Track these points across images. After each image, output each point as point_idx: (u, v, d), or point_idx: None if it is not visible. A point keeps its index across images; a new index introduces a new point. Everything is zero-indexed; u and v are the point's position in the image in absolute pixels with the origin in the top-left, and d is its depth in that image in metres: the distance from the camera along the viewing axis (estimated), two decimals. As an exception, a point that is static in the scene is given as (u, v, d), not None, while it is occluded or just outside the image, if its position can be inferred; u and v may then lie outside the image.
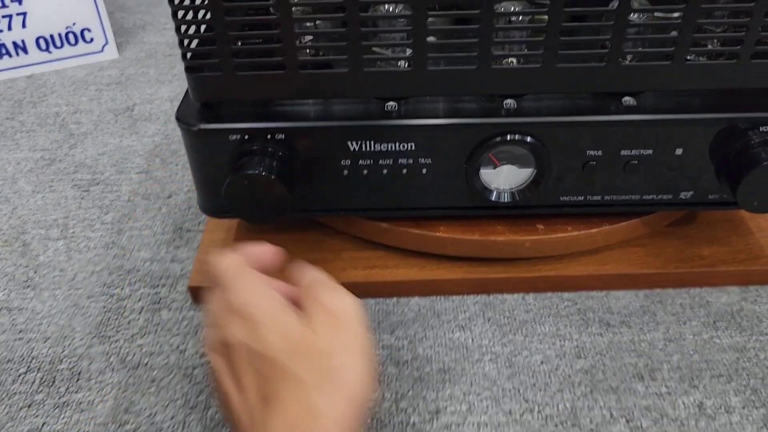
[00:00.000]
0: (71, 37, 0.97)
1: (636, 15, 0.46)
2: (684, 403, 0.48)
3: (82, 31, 0.97)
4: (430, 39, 0.44)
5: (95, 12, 0.97)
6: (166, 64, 0.97)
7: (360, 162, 0.50)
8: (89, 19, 0.97)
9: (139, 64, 0.98)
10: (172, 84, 0.92)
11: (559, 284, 0.56)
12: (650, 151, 0.49)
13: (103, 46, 0.99)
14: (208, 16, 0.44)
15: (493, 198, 0.52)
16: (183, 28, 0.45)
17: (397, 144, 0.49)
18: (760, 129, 0.48)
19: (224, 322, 0.37)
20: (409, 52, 0.46)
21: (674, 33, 0.44)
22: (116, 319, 0.55)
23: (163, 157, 0.76)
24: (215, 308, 0.38)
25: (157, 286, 0.59)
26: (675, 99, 0.49)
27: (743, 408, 0.48)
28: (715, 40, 0.48)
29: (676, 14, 0.45)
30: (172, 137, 0.80)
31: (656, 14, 0.46)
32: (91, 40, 0.98)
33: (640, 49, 0.47)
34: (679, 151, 0.49)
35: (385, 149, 0.49)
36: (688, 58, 0.45)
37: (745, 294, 0.57)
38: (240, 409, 0.35)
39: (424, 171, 0.50)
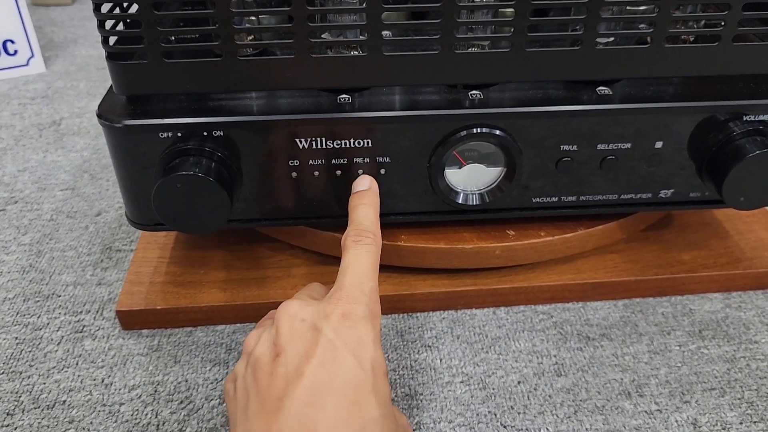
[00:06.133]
0: (-8, 48, 0.89)
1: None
2: (677, 421, 0.43)
3: (4, 43, 0.89)
4: (386, 16, 0.39)
5: (20, 23, 0.90)
6: (99, 77, 0.90)
7: (310, 162, 0.44)
8: (13, 30, 0.89)
9: (68, 77, 0.90)
10: (105, 97, 0.84)
11: (532, 296, 0.51)
12: (628, 145, 0.45)
13: (29, 59, 0.91)
14: (131, -8, 0.38)
15: (460, 201, 0.47)
16: (104, 7, 0.39)
17: (352, 141, 0.44)
18: (744, 119, 0.44)
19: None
20: (362, 35, 0.41)
21: (652, 14, 0.41)
22: (30, 351, 0.48)
23: (93, 173, 0.69)
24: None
25: (81, 312, 0.51)
26: (653, 87, 0.45)
27: (741, 423, 0.43)
28: (695, 24, 0.44)
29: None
30: (104, 151, 0.72)
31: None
32: (15, 52, 0.90)
33: (616, 30, 0.43)
34: (658, 145, 0.45)
35: (338, 146, 0.44)
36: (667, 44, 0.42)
37: (728, 300, 0.53)
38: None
39: (383, 172, 0.45)
